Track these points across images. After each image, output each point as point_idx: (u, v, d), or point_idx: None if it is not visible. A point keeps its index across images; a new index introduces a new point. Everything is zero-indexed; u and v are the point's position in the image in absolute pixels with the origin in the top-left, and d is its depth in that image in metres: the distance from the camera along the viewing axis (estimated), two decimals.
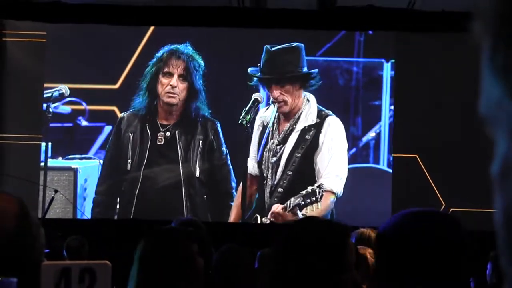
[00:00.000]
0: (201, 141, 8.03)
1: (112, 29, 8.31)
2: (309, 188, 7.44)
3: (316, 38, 8.26)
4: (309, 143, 7.79)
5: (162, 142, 8.07)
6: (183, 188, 8.01)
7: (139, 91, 8.06)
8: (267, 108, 7.97)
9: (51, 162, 8.15)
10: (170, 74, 8.01)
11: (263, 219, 7.80)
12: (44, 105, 8.21)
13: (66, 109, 8.34)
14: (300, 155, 7.80)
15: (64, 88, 8.26)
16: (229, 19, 8.31)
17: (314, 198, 7.38)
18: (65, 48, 8.37)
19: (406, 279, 1.54)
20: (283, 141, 7.85)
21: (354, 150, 8.20)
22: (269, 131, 7.89)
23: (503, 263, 0.63)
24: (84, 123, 8.34)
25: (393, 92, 8.28)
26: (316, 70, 7.97)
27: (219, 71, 8.18)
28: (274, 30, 8.15)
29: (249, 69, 7.93)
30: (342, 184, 7.75)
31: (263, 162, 7.87)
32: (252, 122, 7.83)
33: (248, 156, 7.80)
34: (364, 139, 8.26)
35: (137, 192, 8.04)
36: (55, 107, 8.25)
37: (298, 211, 7.47)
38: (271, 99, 7.88)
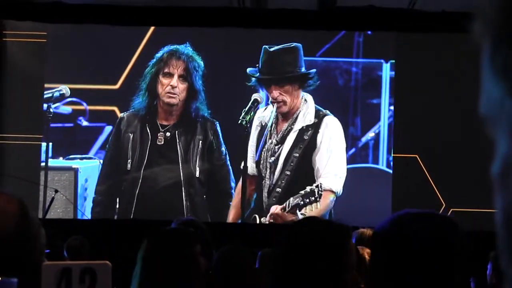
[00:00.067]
0: (200, 141, 8.03)
1: (112, 30, 8.31)
2: (308, 188, 7.44)
3: (316, 38, 8.27)
4: (307, 143, 7.81)
5: (162, 142, 8.07)
6: (183, 188, 8.02)
7: (139, 92, 8.07)
8: (265, 108, 7.98)
9: (52, 162, 8.16)
10: (170, 75, 8.01)
11: (262, 219, 7.81)
12: (45, 105, 8.22)
13: (66, 109, 8.34)
14: (298, 155, 7.81)
15: (65, 88, 8.27)
16: (230, 19, 8.31)
17: (313, 198, 7.38)
18: (66, 49, 8.38)
19: (403, 279, 1.54)
20: (281, 141, 7.87)
21: (353, 150, 8.21)
22: (268, 131, 7.90)
23: (503, 263, 0.63)
24: (85, 123, 8.35)
25: (394, 92, 8.28)
26: (314, 70, 7.99)
27: (219, 72, 8.19)
28: (275, 31, 8.15)
29: (248, 70, 7.94)
30: (341, 183, 7.76)
31: (261, 162, 7.88)
32: (250, 122, 7.84)
33: (246, 156, 7.80)
34: (363, 139, 8.27)
35: (137, 192, 8.04)
36: (55, 108, 8.26)
37: (298, 211, 7.47)
38: (270, 99, 7.89)
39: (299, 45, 7.94)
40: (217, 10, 8.23)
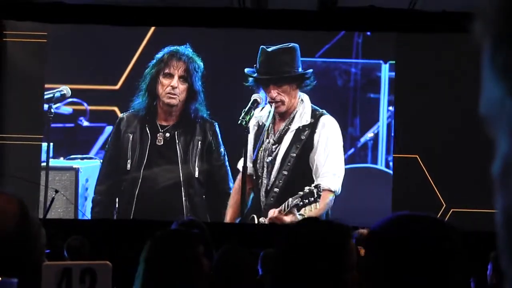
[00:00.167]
0: (200, 142, 8.04)
1: (113, 30, 8.31)
2: (307, 189, 7.45)
3: (315, 39, 8.27)
4: (304, 143, 7.82)
5: (162, 143, 8.08)
6: (182, 188, 8.02)
7: (139, 92, 8.08)
8: (262, 108, 7.98)
9: (53, 162, 8.16)
10: (171, 75, 8.02)
11: (260, 219, 7.81)
12: (46, 106, 8.22)
13: (67, 109, 8.35)
14: (295, 155, 7.83)
15: (66, 89, 8.27)
16: (230, 19, 8.31)
17: (312, 199, 7.39)
18: (66, 49, 8.38)
19: (401, 279, 1.54)
20: (279, 140, 7.88)
21: (352, 150, 8.21)
22: (265, 130, 7.91)
23: (503, 263, 0.63)
24: (85, 123, 8.35)
25: (394, 92, 8.28)
26: (311, 70, 8.00)
27: (218, 72, 8.19)
28: (275, 31, 8.15)
29: (246, 70, 7.95)
30: (339, 182, 7.77)
31: (258, 161, 7.90)
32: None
33: (245, 156, 7.80)
34: (362, 139, 8.27)
35: (136, 192, 8.05)
36: (56, 108, 8.26)
37: (296, 212, 7.47)
38: (267, 99, 7.90)
39: (296, 45, 7.96)
40: (218, 11, 8.23)
